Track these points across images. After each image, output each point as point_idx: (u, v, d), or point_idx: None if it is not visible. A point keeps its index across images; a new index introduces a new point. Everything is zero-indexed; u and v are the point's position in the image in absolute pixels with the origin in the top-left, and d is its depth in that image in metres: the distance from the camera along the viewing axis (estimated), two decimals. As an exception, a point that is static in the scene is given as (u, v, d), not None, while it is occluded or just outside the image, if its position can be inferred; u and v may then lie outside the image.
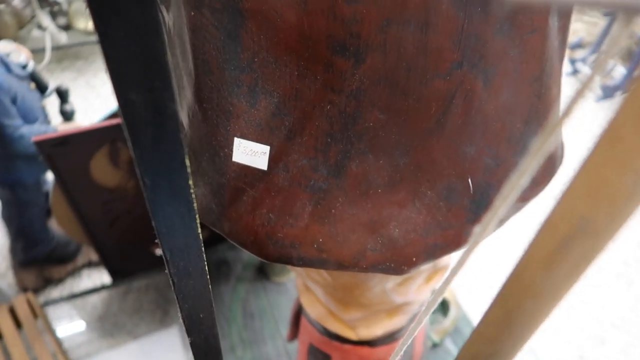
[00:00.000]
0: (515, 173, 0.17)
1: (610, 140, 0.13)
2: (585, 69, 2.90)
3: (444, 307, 1.53)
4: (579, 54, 3.03)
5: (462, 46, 0.41)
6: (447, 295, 1.56)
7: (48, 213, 1.75)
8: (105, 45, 0.22)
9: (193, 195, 0.31)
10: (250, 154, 0.46)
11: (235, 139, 0.46)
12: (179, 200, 0.30)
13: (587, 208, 0.14)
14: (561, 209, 0.15)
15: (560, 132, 0.63)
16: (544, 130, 0.15)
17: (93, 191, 1.31)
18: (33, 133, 1.33)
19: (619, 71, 2.81)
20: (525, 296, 0.17)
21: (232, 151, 0.47)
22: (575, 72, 2.96)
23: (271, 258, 0.50)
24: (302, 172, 0.46)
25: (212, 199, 0.51)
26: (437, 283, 0.81)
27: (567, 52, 2.41)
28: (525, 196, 0.55)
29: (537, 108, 0.50)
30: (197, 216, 0.33)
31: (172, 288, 0.38)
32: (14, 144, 1.31)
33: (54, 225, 1.77)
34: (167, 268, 0.36)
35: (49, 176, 1.75)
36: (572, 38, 2.94)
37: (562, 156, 0.60)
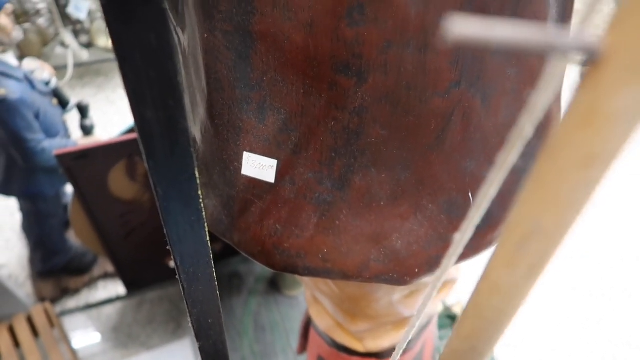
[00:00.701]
0: (485, 184, 0.19)
1: (552, 150, 0.15)
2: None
3: (453, 322, 1.53)
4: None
5: (460, 66, 0.43)
6: (457, 310, 1.56)
7: (66, 225, 1.80)
8: (124, 68, 0.24)
9: (202, 205, 0.33)
10: (259, 167, 0.48)
11: (245, 153, 0.49)
12: (189, 209, 0.33)
13: (537, 213, 0.16)
14: (516, 214, 0.17)
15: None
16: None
17: (110, 203, 1.35)
18: (54, 147, 1.37)
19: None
20: (492, 294, 0.19)
21: (241, 165, 0.49)
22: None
23: (278, 267, 0.52)
24: (308, 185, 0.48)
25: (222, 211, 0.53)
26: (444, 296, 0.82)
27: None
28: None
29: (537, 125, 0.51)
30: (205, 225, 0.35)
31: (182, 293, 0.40)
32: (36, 158, 1.36)
33: (71, 236, 1.82)
34: (177, 273, 0.38)
35: (68, 189, 1.80)
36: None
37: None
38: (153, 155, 0.28)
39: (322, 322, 0.86)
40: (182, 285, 0.39)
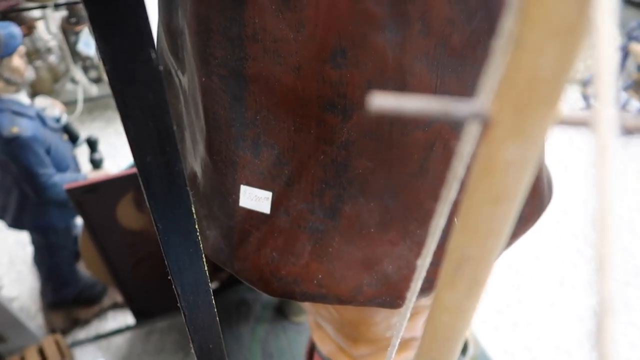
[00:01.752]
0: (435, 216, 0.22)
1: (470, 191, 0.18)
2: (600, 105, 2.92)
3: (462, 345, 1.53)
4: (593, 90, 3.06)
5: (437, 101, 0.46)
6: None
7: (76, 257, 1.83)
8: (126, 121, 0.28)
9: (199, 238, 0.36)
10: (255, 199, 0.52)
11: (242, 186, 0.52)
12: (187, 242, 0.36)
13: (465, 242, 0.19)
14: (452, 243, 0.20)
15: (548, 170, 0.67)
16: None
17: (119, 234, 1.38)
18: (65, 181, 1.42)
19: (634, 105, 2.83)
20: (442, 312, 0.22)
21: (239, 197, 0.53)
22: (589, 108, 2.98)
23: (276, 294, 0.54)
24: (301, 215, 0.51)
25: (222, 241, 0.56)
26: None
27: (581, 89, 2.43)
28: (515, 232, 0.58)
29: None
30: (203, 256, 0.38)
31: (184, 321, 0.43)
32: (47, 192, 1.41)
33: (81, 268, 1.85)
34: (179, 302, 0.41)
35: (78, 221, 1.85)
36: (584, 74, 2.98)
37: (550, 193, 0.64)
38: (153, 194, 0.31)
39: (325, 347, 0.88)
40: (184, 313, 0.42)
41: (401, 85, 0.45)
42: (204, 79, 0.50)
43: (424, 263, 0.24)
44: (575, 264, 2.02)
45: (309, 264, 0.53)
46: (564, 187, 2.36)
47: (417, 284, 0.25)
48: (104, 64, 0.25)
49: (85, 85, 2.63)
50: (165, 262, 0.37)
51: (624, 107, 2.81)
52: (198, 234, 0.36)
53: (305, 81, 0.45)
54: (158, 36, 0.61)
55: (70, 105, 2.48)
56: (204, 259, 0.39)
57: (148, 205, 0.32)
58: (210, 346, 0.47)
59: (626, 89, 2.83)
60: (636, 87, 2.83)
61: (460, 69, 0.46)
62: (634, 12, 3.17)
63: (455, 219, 0.52)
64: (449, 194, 0.21)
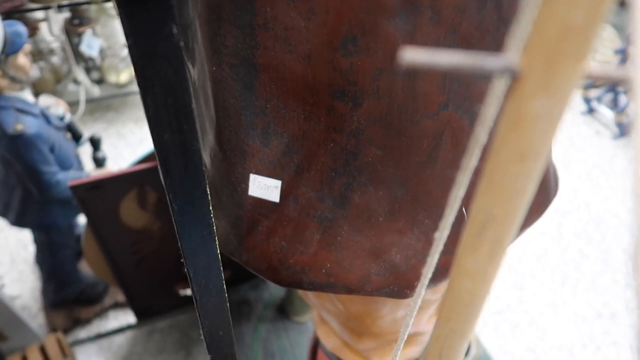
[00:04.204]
0: (454, 186, 0.22)
1: (495, 150, 0.18)
2: (601, 108, 2.94)
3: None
4: (594, 93, 3.07)
5: (447, 90, 0.47)
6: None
7: (78, 256, 1.83)
8: (145, 97, 0.28)
9: (213, 220, 0.36)
10: (264, 188, 0.52)
11: (251, 175, 0.52)
12: (201, 224, 0.36)
13: (489, 203, 0.19)
14: (475, 206, 0.20)
15: (554, 164, 0.67)
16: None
17: (122, 232, 1.38)
18: (68, 179, 1.42)
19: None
20: (463, 278, 0.22)
21: (248, 186, 0.53)
22: (590, 110, 2.99)
23: (284, 283, 0.55)
24: (310, 203, 0.52)
25: (230, 230, 0.56)
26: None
27: (581, 92, 2.44)
28: (521, 225, 0.59)
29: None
30: (216, 239, 0.38)
31: (195, 305, 0.43)
32: (51, 190, 1.41)
33: (83, 267, 1.85)
34: (190, 286, 0.41)
35: (81, 220, 1.85)
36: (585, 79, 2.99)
37: (556, 187, 0.64)
38: (170, 173, 0.32)
39: (330, 342, 0.88)
40: (195, 297, 0.42)
41: (411, 73, 0.45)
42: (214, 68, 0.50)
43: (441, 236, 0.24)
44: (577, 264, 2.02)
45: (318, 253, 0.53)
46: (566, 187, 2.37)
47: (434, 257, 0.26)
48: (126, 38, 0.26)
49: (87, 86, 2.64)
50: (179, 244, 0.37)
51: (623, 110, 2.82)
52: (212, 215, 0.36)
53: (315, 69, 0.46)
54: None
55: (72, 106, 2.48)
56: (217, 243, 0.39)
57: (164, 185, 0.32)
58: (220, 332, 0.47)
59: (626, 92, 2.84)
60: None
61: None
62: (634, 15, 3.18)
63: (464, 209, 0.52)
64: (471, 161, 0.21)
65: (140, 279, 1.55)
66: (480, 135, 0.19)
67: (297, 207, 0.52)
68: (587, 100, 3.02)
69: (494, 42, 0.47)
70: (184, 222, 0.35)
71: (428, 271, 0.28)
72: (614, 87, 2.92)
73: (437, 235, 0.25)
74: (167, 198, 0.34)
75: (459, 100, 0.48)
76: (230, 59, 0.49)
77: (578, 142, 2.66)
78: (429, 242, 0.54)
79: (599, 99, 2.99)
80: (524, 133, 0.16)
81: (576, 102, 2.94)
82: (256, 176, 0.52)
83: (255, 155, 0.52)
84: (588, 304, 1.88)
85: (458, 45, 0.45)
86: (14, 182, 1.43)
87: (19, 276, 2.00)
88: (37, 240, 1.66)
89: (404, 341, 0.37)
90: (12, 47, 1.25)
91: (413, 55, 0.15)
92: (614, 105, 2.93)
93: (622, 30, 2.92)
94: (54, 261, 1.68)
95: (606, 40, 2.96)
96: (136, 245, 1.45)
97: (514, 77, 0.15)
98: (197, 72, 0.56)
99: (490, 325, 1.81)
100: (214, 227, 0.37)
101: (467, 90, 0.48)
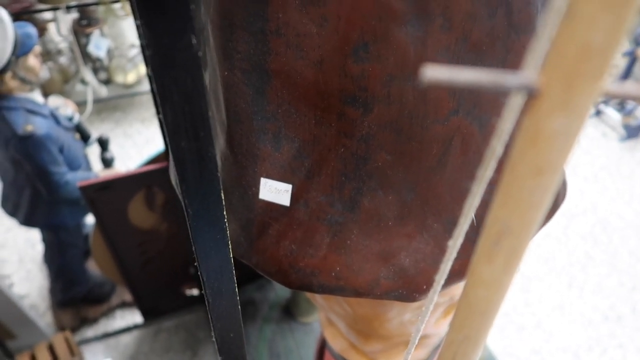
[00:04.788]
0: (469, 196, 0.23)
1: (512, 163, 0.19)
2: (608, 110, 2.93)
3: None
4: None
5: (457, 96, 0.47)
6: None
7: (86, 256, 1.85)
8: (164, 105, 0.29)
9: (226, 225, 0.37)
10: (275, 192, 0.52)
11: (262, 179, 0.53)
12: (215, 228, 0.37)
13: (505, 215, 0.19)
14: (491, 217, 0.20)
15: (563, 169, 0.67)
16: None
17: (130, 232, 1.39)
18: (77, 179, 1.43)
19: (642, 111, 2.82)
20: (478, 286, 0.22)
21: (259, 190, 0.53)
22: (597, 113, 2.98)
23: (294, 286, 0.55)
24: (320, 207, 0.52)
25: (241, 233, 0.57)
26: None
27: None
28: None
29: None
30: (229, 242, 0.39)
31: (207, 308, 0.44)
32: (60, 190, 1.42)
33: (91, 267, 1.87)
34: (203, 288, 0.42)
35: (89, 220, 1.86)
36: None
37: (564, 192, 0.65)
38: (186, 179, 0.32)
39: (337, 343, 0.88)
40: (207, 300, 0.43)
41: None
42: (226, 73, 0.51)
43: (454, 244, 0.25)
44: (583, 267, 2.01)
45: (327, 256, 0.53)
46: (573, 189, 2.36)
47: (447, 264, 0.26)
48: (147, 48, 0.26)
49: (95, 86, 2.66)
50: (193, 247, 0.38)
51: (630, 113, 2.81)
52: (226, 220, 0.36)
53: (327, 75, 0.46)
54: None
55: (79, 106, 2.50)
56: (230, 247, 0.39)
57: (180, 190, 0.33)
58: (231, 335, 0.48)
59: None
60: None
61: (479, 64, 0.47)
62: (642, 17, 3.17)
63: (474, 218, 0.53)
64: (486, 172, 0.21)
65: (147, 278, 1.56)
66: (496, 148, 0.20)
67: (308, 211, 0.53)
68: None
69: (504, 48, 0.47)
70: (199, 226, 0.36)
71: (441, 278, 0.28)
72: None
73: (450, 243, 0.26)
74: (182, 203, 0.34)
75: (469, 107, 0.48)
76: (242, 64, 0.49)
77: (585, 145, 2.65)
78: (437, 246, 0.54)
79: (605, 102, 2.98)
80: (541, 149, 0.16)
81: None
82: (267, 180, 0.53)
83: (267, 160, 0.52)
84: (594, 307, 1.87)
85: (469, 52, 0.46)
86: (23, 182, 1.45)
87: (27, 275, 2.01)
88: (46, 240, 1.67)
89: (414, 345, 0.38)
90: (22, 49, 1.26)
91: (434, 73, 0.15)
92: (621, 107, 2.92)
93: (630, 32, 2.90)
94: (62, 260, 1.69)
95: (614, 42, 2.95)
96: (143, 245, 1.46)
97: (532, 95, 0.16)
98: (208, 76, 0.56)
99: (496, 328, 1.81)
100: (227, 232, 0.38)
101: (476, 97, 0.48)
